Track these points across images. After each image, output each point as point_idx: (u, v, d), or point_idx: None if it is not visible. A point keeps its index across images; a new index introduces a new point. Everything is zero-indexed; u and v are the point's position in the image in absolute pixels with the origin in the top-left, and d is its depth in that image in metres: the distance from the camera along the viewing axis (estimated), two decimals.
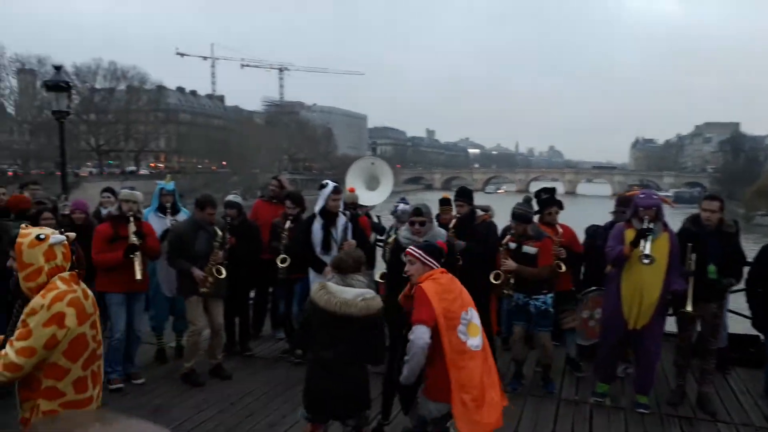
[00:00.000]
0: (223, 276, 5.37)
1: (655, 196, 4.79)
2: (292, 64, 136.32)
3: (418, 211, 4.38)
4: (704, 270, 4.72)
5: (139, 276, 5.10)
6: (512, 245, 5.28)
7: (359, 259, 3.56)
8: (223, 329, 5.72)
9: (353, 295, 3.35)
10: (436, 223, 4.64)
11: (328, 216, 5.56)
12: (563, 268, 5.41)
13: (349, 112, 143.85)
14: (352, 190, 7.06)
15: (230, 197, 6.32)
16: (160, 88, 70.64)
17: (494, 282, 5.29)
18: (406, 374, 3.39)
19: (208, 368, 5.63)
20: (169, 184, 6.09)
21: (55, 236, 2.56)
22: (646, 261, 4.53)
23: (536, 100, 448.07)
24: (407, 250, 3.61)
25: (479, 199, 6.35)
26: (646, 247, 4.55)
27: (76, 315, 2.48)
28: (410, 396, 3.75)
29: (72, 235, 2.64)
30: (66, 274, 2.55)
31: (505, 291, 5.31)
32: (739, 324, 6.57)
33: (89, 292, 2.64)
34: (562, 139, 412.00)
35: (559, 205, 5.67)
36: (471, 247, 5.23)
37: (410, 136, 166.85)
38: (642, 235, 4.59)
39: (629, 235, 4.72)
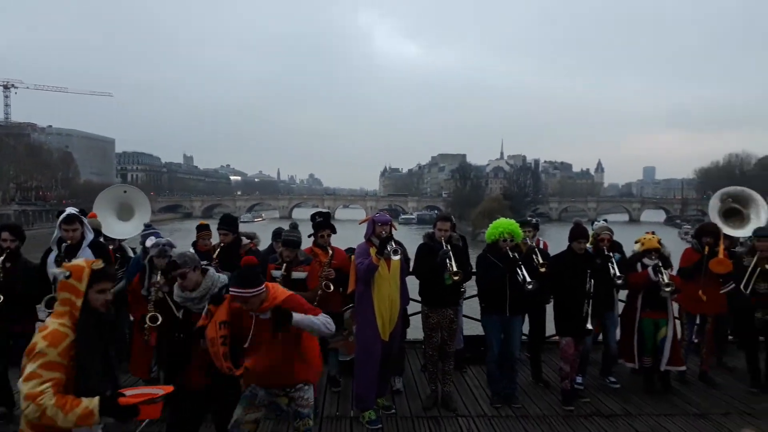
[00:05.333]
0: None
1: (388, 216, 5.43)
2: (21, 81, 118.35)
3: (173, 266, 3.98)
4: (442, 278, 5.37)
5: None
6: (276, 273, 5.30)
7: None
8: None
9: None
10: (213, 270, 4.23)
11: (66, 247, 4.93)
12: (332, 288, 5.59)
13: (93, 135, 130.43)
14: (93, 216, 6.31)
15: None
16: None
17: None
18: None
19: None
20: None
21: None
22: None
23: (297, 130, 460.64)
24: (232, 295, 3.47)
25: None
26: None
27: None
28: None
29: None
30: None
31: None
32: (474, 327, 7.53)
33: None
34: (321, 168, 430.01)
35: (332, 229, 5.86)
36: None
37: (166, 161, 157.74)
38: (385, 242, 5.03)
39: (373, 250, 5.14)
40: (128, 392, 2.79)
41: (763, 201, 6.90)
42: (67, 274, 2.86)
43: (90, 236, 5.13)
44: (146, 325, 4.69)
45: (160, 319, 4.41)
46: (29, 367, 2.67)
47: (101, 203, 7.13)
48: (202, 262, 5.55)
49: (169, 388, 2.90)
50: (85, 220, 5.25)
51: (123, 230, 6.97)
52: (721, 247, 6.27)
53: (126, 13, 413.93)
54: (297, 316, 3.48)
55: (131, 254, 6.55)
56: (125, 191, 7.51)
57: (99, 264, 2.94)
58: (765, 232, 6.11)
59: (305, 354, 3.77)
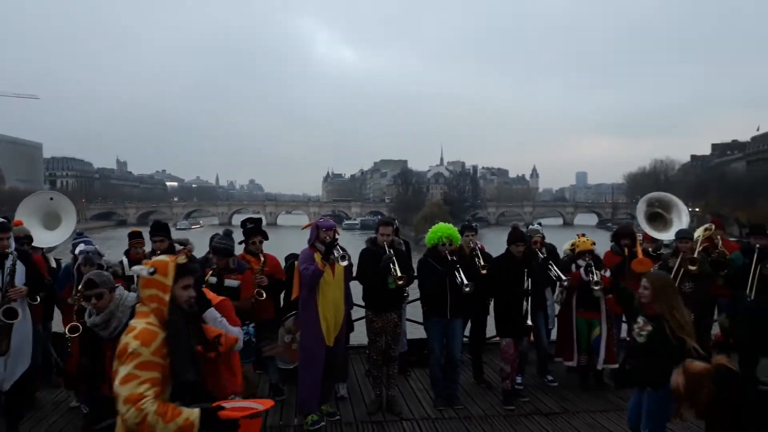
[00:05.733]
0: None
1: (331, 221, 5.40)
2: None
3: (91, 284, 3.75)
4: (386, 283, 5.38)
5: None
6: (212, 279, 5.19)
7: None
8: None
9: None
10: (121, 288, 3.92)
11: None
12: (264, 295, 5.52)
13: (18, 140, 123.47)
14: (19, 223, 6.00)
15: None
16: None
17: None
18: None
19: None
20: None
21: None
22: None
23: (237, 135, 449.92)
24: None
25: (173, 235, 6.14)
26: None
27: None
28: None
29: None
30: None
31: None
32: (417, 330, 7.59)
33: None
34: (262, 173, 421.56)
35: (264, 235, 5.80)
36: None
37: (98, 167, 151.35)
38: (331, 248, 5.03)
39: (317, 256, 5.12)
40: (227, 404, 2.72)
41: (684, 206, 7.34)
42: (152, 270, 2.76)
43: (13, 245, 4.89)
44: (67, 336, 4.52)
45: (81, 328, 4.25)
46: (124, 369, 2.56)
47: (25, 211, 6.77)
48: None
49: (270, 403, 2.85)
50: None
51: (49, 239, 6.67)
52: (639, 248, 6.60)
53: (49, 10, 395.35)
54: (210, 313, 3.48)
55: (53, 264, 6.33)
56: (51, 198, 7.17)
57: (182, 258, 2.88)
58: (686, 234, 6.46)
59: (232, 365, 3.70)
